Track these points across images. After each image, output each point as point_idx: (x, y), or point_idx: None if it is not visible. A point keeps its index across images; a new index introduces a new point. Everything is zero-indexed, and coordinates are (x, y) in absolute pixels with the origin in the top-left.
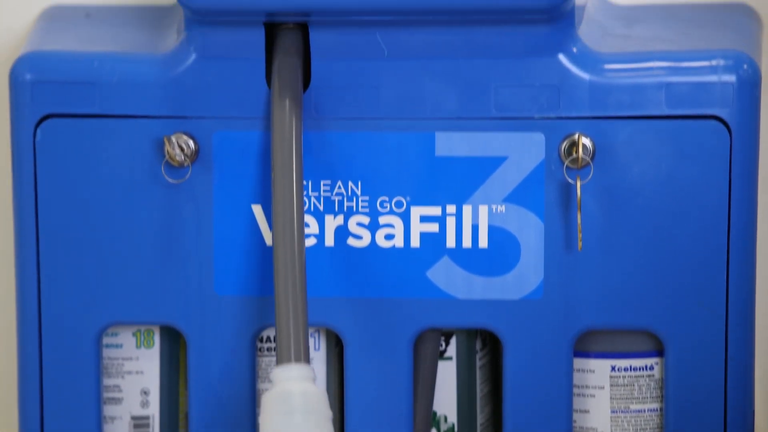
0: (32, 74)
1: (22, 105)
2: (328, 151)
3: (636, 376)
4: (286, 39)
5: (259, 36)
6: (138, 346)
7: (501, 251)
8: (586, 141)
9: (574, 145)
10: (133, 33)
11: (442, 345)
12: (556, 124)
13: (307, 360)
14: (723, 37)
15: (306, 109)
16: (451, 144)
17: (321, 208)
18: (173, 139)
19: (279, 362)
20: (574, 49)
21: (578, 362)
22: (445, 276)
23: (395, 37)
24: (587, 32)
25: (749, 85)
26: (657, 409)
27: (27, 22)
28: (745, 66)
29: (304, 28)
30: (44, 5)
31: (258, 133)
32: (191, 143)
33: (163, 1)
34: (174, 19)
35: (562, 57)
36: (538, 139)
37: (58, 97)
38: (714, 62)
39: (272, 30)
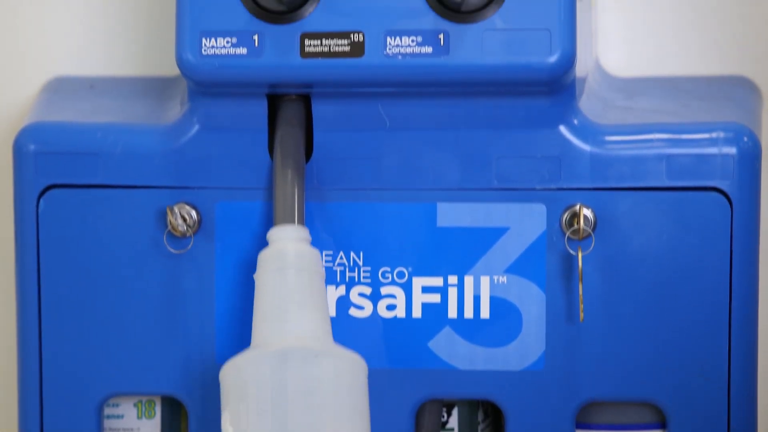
0: (36, 145)
1: (26, 175)
2: (330, 221)
3: None
4: (288, 110)
5: (261, 107)
6: (139, 417)
7: (503, 322)
8: (587, 212)
9: (575, 216)
10: (136, 104)
11: (443, 416)
12: (558, 195)
13: (302, 223)
14: (723, 109)
15: (308, 180)
16: (452, 215)
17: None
18: (176, 209)
19: (276, 224)
20: (575, 121)
21: None
22: (446, 347)
23: (397, 108)
24: (588, 104)
25: (750, 158)
26: None
27: (31, 93)
28: (746, 138)
29: (306, 100)
30: (48, 76)
31: (260, 203)
32: (194, 213)
33: (167, 72)
34: (177, 90)
35: (563, 129)
36: (539, 210)
37: (61, 167)
38: (714, 134)
39: (275, 101)
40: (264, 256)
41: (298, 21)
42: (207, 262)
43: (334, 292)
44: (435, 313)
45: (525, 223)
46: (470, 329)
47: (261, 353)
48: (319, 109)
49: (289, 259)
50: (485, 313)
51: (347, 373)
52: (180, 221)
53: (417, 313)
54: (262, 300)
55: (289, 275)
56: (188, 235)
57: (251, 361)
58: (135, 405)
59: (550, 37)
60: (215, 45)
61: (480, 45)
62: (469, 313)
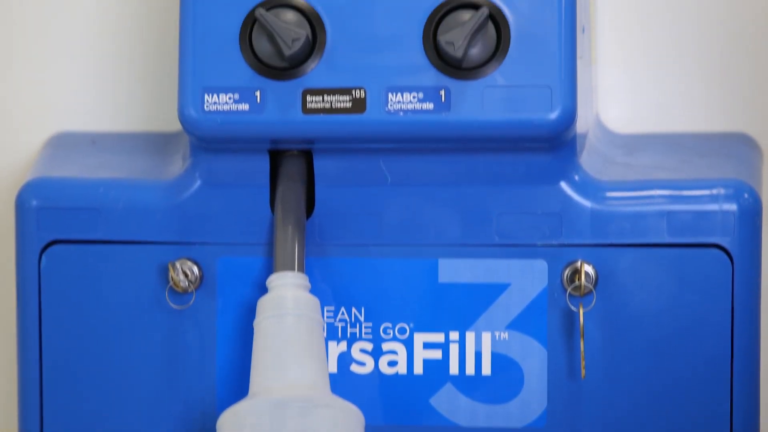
0: (38, 200)
1: (28, 231)
2: (332, 277)
3: None
4: (290, 166)
5: (263, 163)
6: None
7: (504, 379)
8: (588, 268)
9: (576, 272)
10: (138, 160)
11: None
12: (559, 252)
13: (302, 270)
14: (724, 166)
15: (309, 235)
16: (454, 270)
17: (324, 334)
18: (177, 265)
19: (275, 271)
20: (576, 177)
21: None
22: (448, 403)
23: (398, 164)
24: (589, 160)
25: (750, 214)
26: None
27: (34, 149)
28: (746, 195)
29: (308, 155)
30: (51, 132)
31: (262, 259)
32: (195, 269)
33: (169, 128)
34: (179, 146)
35: (564, 185)
36: (540, 266)
37: (63, 223)
38: (715, 191)
39: (276, 156)
40: (263, 303)
41: (300, 77)
42: (208, 317)
43: (336, 348)
44: (436, 369)
45: (526, 279)
46: (472, 386)
47: (259, 402)
48: (320, 164)
49: (288, 305)
50: (487, 369)
51: (344, 424)
52: (182, 277)
53: (418, 369)
54: (261, 347)
55: (287, 322)
56: (190, 290)
57: (250, 411)
58: None
59: (551, 93)
60: (217, 101)
61: (481, 101)
62: (470, 370)
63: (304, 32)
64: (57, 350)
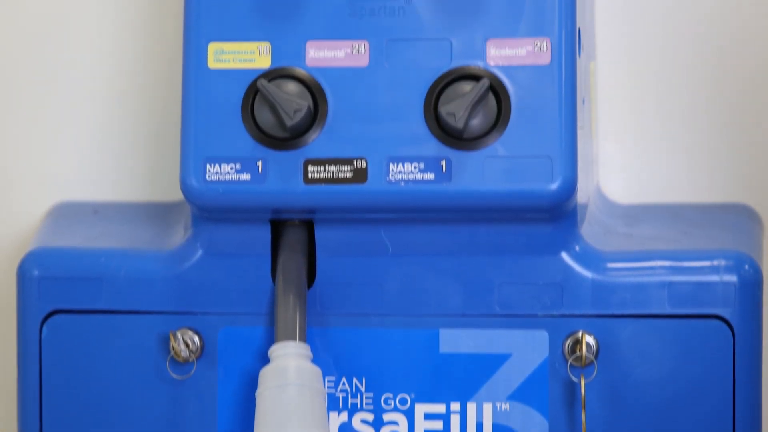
0: (39, 270)
1: (29, 301)
2: (332, 347)
3: None
4: (291, 235)
5: (265, 232)
6: None
7: None
8: (589, 339)
9: (577, 343)
10: (140, 229)
11: None
12: (560, 322)
13: (304, 339)
14: (724, 237)
15: (310, 305)
16: (455, 341)
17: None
18: (178, 335)
19: (277, 340)
20: (577, 248)
21: None
22: None
23: (399, 234)
24: (590, 231)
25: (751, 286)
26: None
27: (35, 218)
28: (747, 266)
29: (309, 225)
30: (52, 201)
31: (263, 329)
32: (196, 339)
33: (171, 198)
34: (181, 215)
35: (564, 255)
36: (541, 336)
37: (64, 292)
38: (716, 262)
39: (278, 226)
40: (265, 373)
41: (301, 147)
42: (210, 387)
43: (337, 419)
44: None
45: (527, 349)
46: None
47: None
48: (321, 234)
49: (290, 375)
50: None
51: None
52: (183, 347)
53: None
54: (264, 417)
55: (290, 392)
56: (191, 360)
57: None
58: None
59: (551, 164)
60: (219, 171)
61: (482, 172)
62: None
63: (305, 103)
64: (58, 420)
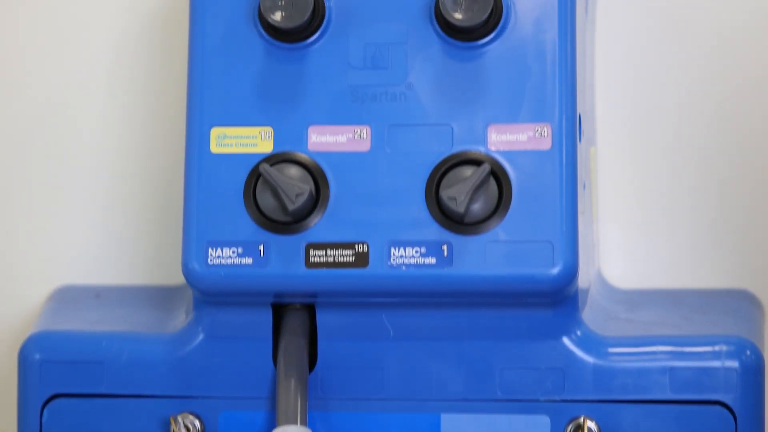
0: (41, 354)
1: (30, 384)
2: (334, 431)
3: None
4: (292, 319)
5: (266, 316)
6: None
7: None
8: (591, 424)
9: (579, 428)
10: (141, 313)
11: None
12: (561, 407)
13: (305, 423)
14: (726, 322)
15: (311, 389)
16: (456, 425)
17: None
18: (179, 419)
19: (278, 424)
20: (578, 332)
21: None
22: None
23: (400, 318)
24: (591, 316)
25: (753, 371)
26: None
27: (37, 302)
28: (748, 352)
29: (311, 309)
30: (54, 285)
31: (264, 413)
32: (197, 423)
33: (172, 281)
34: (182, 299)
35: (566, 340)
36: (543, 421)
37: (65, 376)
38: (717, 348)
39: (279, 310)
40: None
41: (303, 231)
42: None
43: None
44: None
45: None
46: None
47: None
48: (323, 318)
49: None
50: None
51: None
52: (184, 431)
53: None
54: None
55: None
56: None
57: None
58: None
59: (552, 249)
60: (221, 255)
61: (483, 256)
62: None
63: (307, 187)
64: None
